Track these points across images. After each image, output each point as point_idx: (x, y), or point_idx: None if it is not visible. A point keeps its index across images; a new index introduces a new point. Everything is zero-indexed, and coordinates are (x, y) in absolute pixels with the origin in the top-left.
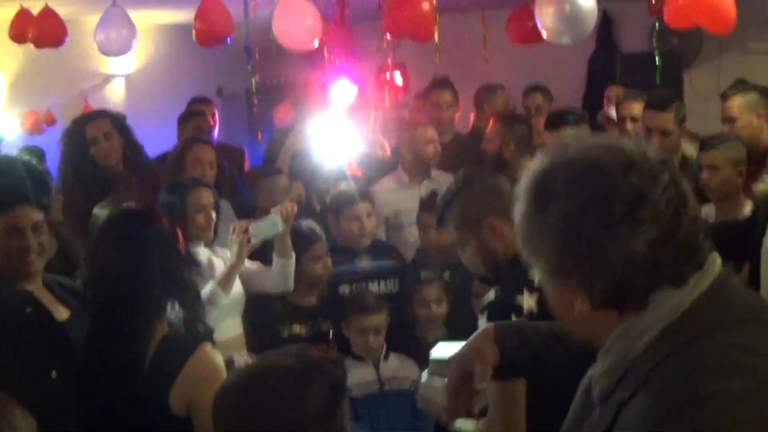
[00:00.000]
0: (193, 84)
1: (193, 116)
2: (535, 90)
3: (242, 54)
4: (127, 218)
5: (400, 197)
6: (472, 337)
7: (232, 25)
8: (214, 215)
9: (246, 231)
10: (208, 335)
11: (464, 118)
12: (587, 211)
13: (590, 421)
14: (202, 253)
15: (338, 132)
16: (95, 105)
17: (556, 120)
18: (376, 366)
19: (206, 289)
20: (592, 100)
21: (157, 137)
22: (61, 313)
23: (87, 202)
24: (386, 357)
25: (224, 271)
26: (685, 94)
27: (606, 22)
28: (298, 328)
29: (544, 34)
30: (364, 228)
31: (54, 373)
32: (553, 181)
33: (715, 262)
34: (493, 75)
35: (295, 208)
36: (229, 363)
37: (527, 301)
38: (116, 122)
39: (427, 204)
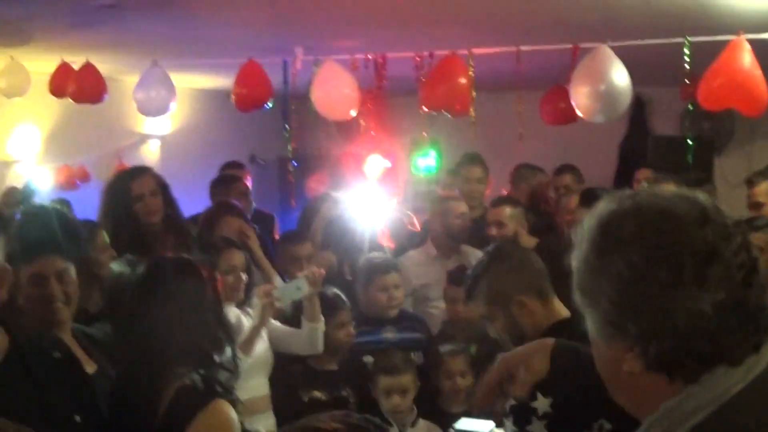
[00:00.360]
0: (227, 149)
1: (231, 181)
2: (565, 170)
3: (276, 123)
4: (166, 266)
5: (428, 270)
6: (530, 343)
7: (271, 91)
8: (244, 276)
9: (270, 294)
10: (225, 393)
11: (495, 194)
12: (656, 262)
13: None
14: (232, 312)
15: (371, 203)
16: (129, 164)
17: (590, 196)
18: None
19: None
20: (623, 182)
21: (188, 199)
22: (88, 367)
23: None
24: (414, 424)
25: (246, 333)
26: (716, 180)
27: (639, 105)
28: (318, 394)
29: (579, 113)
30: (392, 298)
31: (78, 418)
32: (621, 227)
33: None
34: (526, 154)
35: (323, 272)
36: None
37: None
38: (159, 180)
39: (454, 277)
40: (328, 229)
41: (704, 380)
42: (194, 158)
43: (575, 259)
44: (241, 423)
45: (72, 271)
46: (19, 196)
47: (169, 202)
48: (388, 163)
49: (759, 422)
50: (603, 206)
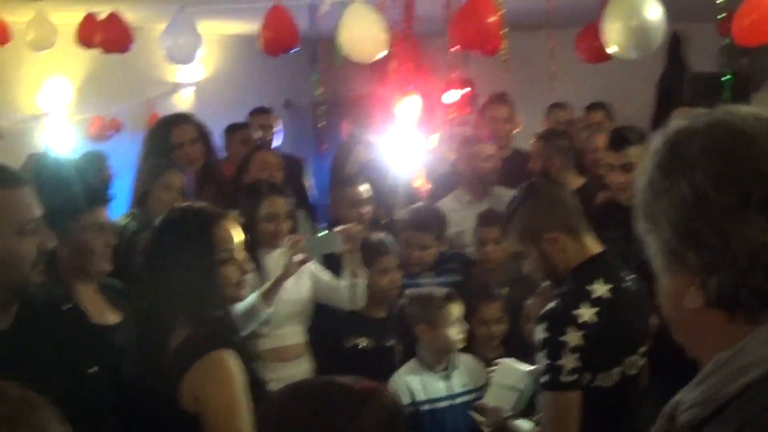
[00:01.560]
0: (261, 95)
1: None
2: (596, 107)
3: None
4: (192, 215)
5: (461, 217)
6: None
7: (298, 35)
8: (287, 224)
9: (297, 245)
10: (231, 343)
11: (529, 135)
12: (721, 184)
13: None
14: (274, 258)
15: (405, 145)
16: (162, 113)
17: (619, 140)
18: (447, 377)
19: (248, 300)
20: (661, 120)
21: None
22: (109, 318)
23: None
24: (456, 366)
25: (268, 283)
26: None
27: (676, 42)
28: (362, 341)
29: (611, 49)
30: (415, 258)
31: (95, 368)
32: (689, 145)
33: None
34: (561, 93)
35: (362, 229)
36: None
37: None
38: (201, 128)
39: (484, 219)
40: (361, 173)
41: (757, 333)
42: (228, 105)
43: (639, 182)
44: (263, 369)
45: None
46: (32, 166)
47: (210, 149)
48: (420, 103)
49: None
50: (673, 124)
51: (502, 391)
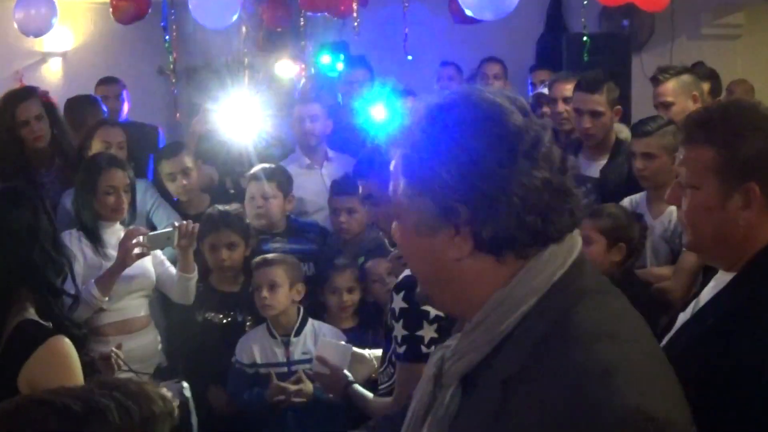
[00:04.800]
0: (133, 63)
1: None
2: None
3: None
4: None
5: (301, 183)
6: None
7: (148, 3)
8: (126, 196)
9: (134, 238)
10: (64, 327)
11: None
12: (491, 147)
13: (440, 403)
14: (115, 232)
15: (244, 114)
16: (31, 84)
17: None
18: (286, 344)
19: (86, 288)
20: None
21: None
22: None
23: (3, 181)
24: (299, 332)
25: (104, 273)
26: (635, 78)
27: (556, 3)
28: (213, 315)
29: (467, 10)
30: (255, 206)
31: None
32: (449, 116)
33: (578, 240)
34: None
35: (197, 226)
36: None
37: None
38: (46, 103)
39: (338, 188)
40: (202, 144)
41: (531, 267)
42: (99, 74)
43: (401, 148)
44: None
45: None
46: None
47: (56, 123)
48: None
49: (575, 304)
50: (428, 99)
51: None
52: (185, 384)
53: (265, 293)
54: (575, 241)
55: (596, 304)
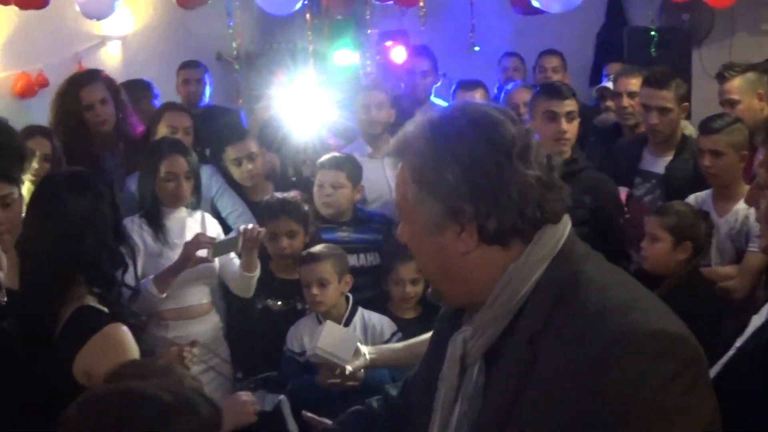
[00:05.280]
0: (192, 48)
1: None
2: (551, 52)
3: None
4: (57, 182)
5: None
6: None
7: None
8: (188, 183)
9: (201, 244)
10: (123, 315)
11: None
12: (492, 147)
13: (468, 381)
14: (179, 218)
15: (307, 101)
16: (89, 67)
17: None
18: None
19: (144, 284)
20: (599, 74)
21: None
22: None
23: (68, 165)
24: (349, 322)
25: (163, 271)
26: (694, 73)
27: None
28: (272, 302)
29: (534, 2)
30: (323, 195)
31: None
32: (448, 129)
33: (567, 218)
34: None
35: (262, 233)
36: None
37: None
38: (111, 85)
39: None
40: (264, 131)
41: (536, 240)
42: (158, 58)
43: (406, 157)
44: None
45: (15, 194)
46: None
47: (122, 109)
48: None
49: (582, 262)
50: (426, 115)
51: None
52: (283, 398)
53: (315, 290)
54: (566, 218)
55: (598, 262)
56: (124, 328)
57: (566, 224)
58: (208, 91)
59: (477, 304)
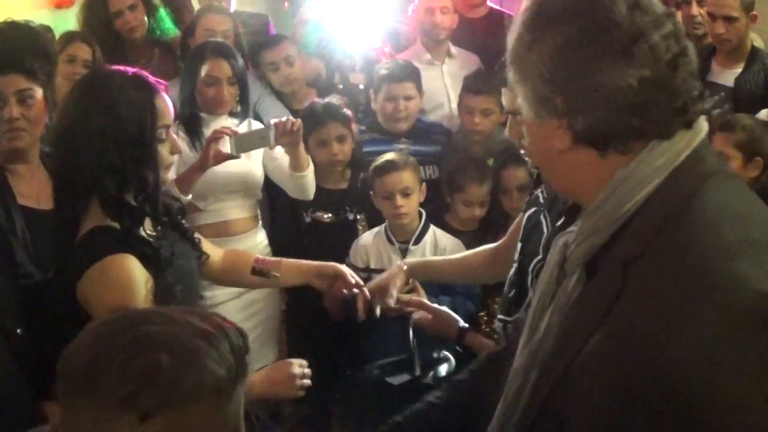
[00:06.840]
0: None
1: None
2: None
3: None
4: (106, 77)
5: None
6: None
7: None
8: (232, 88)
9: (222, 138)
10: (137, 245)
11: None
12: (587, 34)
13: (563, 289)
14: (218, 126)
15: (358, 6)
16: None
17: None
18: (404, 252)
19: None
20: None
21: None
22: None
23: None
24: (418, 240)
25: (184, 172)
26: None
27: None
28: (320, 215)
29: None
30: (398, 110)
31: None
32: (553, 6)
33: (704, 126)
34: None
35: (298, 124)
36: None
37: None
38: None
39: (474, 86)
40: (309, 35)
41: (651, 148)
42: None
43: (510, 38)
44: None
45: (37, 93)
46: None
47: (152, 11)
48: None
49: (700, 185)
50: None
51: None
52: None
53: (399, 201)
54: (701, 126)
55: (722, 187)
56: (131, 260)
57: (697, 133)
58: None
59: (579, 202)
